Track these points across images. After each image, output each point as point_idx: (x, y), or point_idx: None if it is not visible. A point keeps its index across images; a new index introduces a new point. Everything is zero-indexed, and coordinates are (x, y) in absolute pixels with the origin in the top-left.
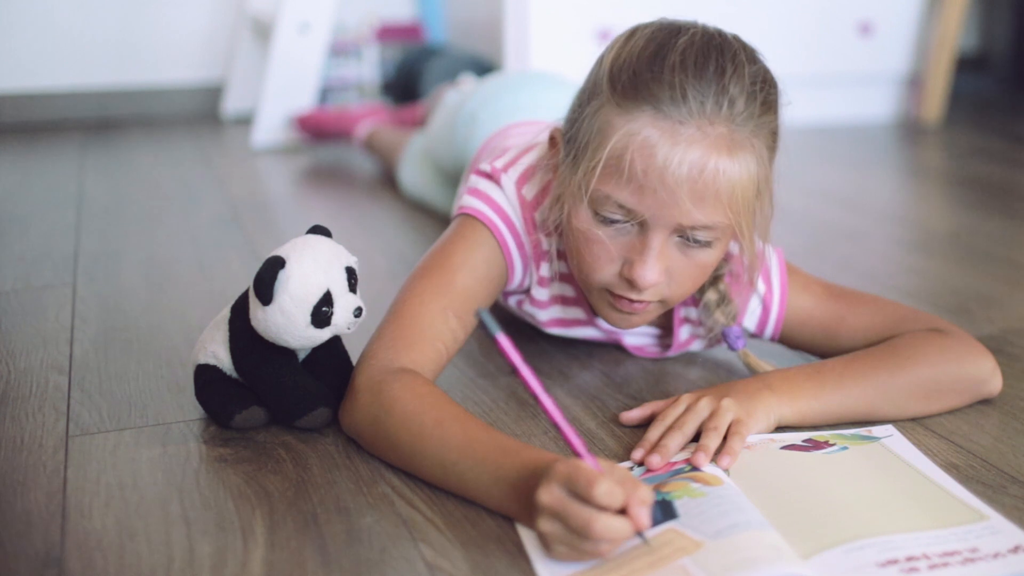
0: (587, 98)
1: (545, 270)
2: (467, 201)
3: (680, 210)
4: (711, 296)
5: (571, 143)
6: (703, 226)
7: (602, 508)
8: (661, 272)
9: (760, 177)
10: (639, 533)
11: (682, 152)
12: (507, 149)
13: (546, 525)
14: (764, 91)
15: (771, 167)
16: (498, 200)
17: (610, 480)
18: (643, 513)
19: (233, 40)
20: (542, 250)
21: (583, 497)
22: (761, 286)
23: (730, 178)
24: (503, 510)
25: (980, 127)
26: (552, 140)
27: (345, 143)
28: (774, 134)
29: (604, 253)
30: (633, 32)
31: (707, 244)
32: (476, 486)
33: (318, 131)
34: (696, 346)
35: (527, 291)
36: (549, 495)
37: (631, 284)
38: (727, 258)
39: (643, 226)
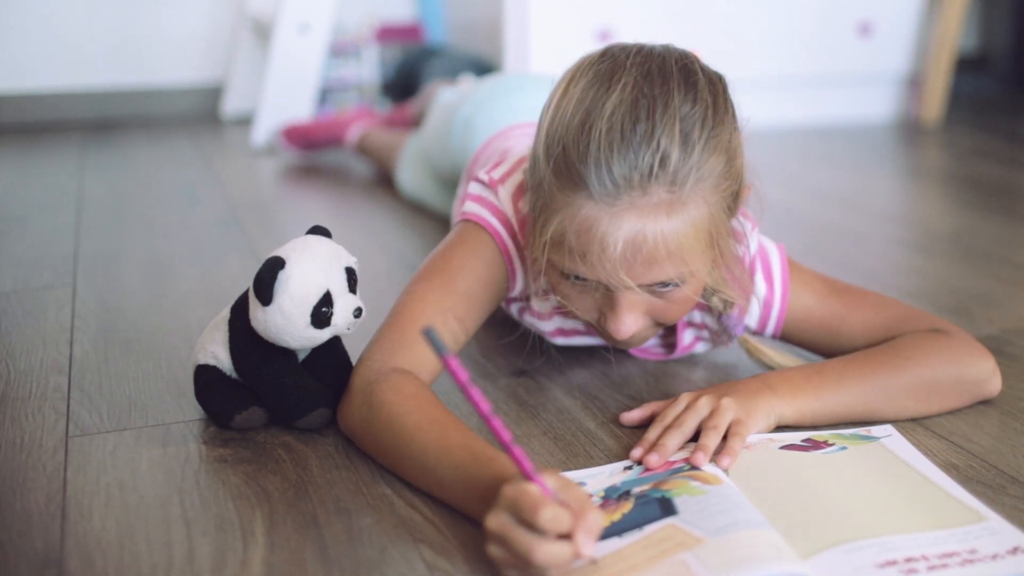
0: (539, 154)
1: (544, 283)
2: (469, 207)
3: (627, 281)
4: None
5: (534, 194)
6: (658, 283)
7: (546, 534)
8: (636, 321)
9: (709, 220)
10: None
11: (616, 231)
12: (507, 151)
13: (493, 550)
14: (704, 134)
15: (726, 202)
16: (499, 206)
17: (555, 506)
18: (587, 542)
19: (233, 40)
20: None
21: (527, 523)
22: (762, 286)
23: (673, 236)
24: (474, 515)
25: (980, 127)
26: (531, 167)
27: (338, 149)
28: (724, 172)
29: (580, 304)
30: (572, 77)
31: (676, 287)
32: (451, 491)
33: (306, 142)
34: (700, 348)
35: (528, 299)
36: (495, 520)
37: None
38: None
39: (608, 288)
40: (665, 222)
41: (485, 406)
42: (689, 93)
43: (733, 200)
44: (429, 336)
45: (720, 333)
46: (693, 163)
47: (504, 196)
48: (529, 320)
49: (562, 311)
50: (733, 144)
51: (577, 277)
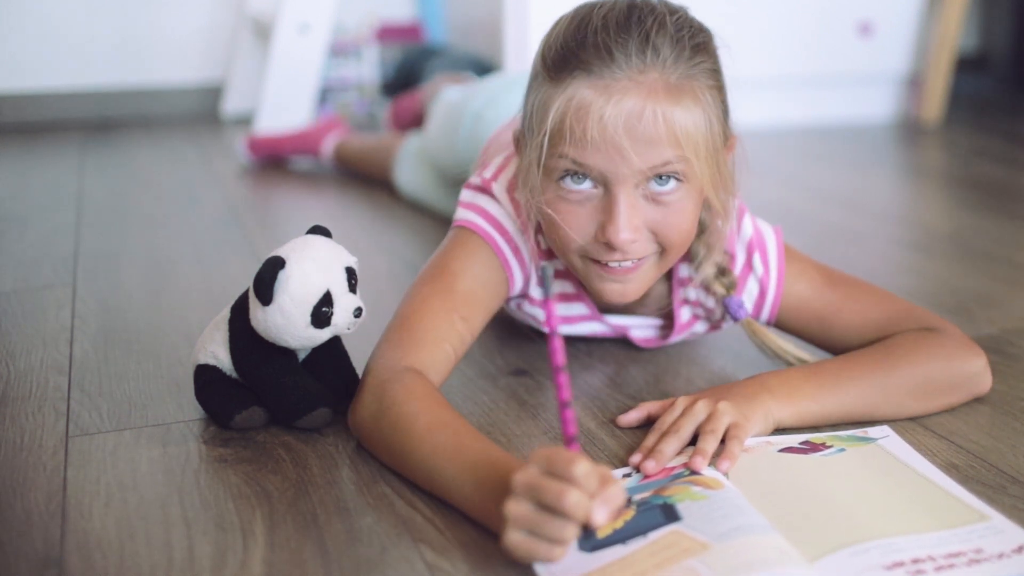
0: (528, 88)
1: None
2: (461, 214)
3: (627, 159)
4: (708, 270)
5: (525, 133)
6: (660, 165)
7: (579, 486)
8: (635, 228)
9: (710, 119)
10: (587, 532)
11: (616, 104)
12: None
13: (514, 506)
14: (691, 36)
15: (722, 110)
16: (491, 211)
17: (589, 463)
18: (601, 510)
19: (233, 40)
20: (542, 249)
21: (561, 475)
22: (759, 267)
23: (674, 121)
24: (482, 518)
25: (980, 127)
26: (516, 142)
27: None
28: (713, 74)
29: (575, 220)
30: (558, 20)
31: (673, 184)
32: (459, 492)
33: (270, 153)
34: (699, 327)
35: (525, 294)
36: (525, 474)
37: (608, 246)
38: (707, 207)
39: (607, 187)
40: (668, 105)
41: (560, 358)
42: (672, 8)
43: (724, 117)
44: (545, 273)
45: (722, 315)
46: (683, 55)
47: (499, 191)
48: (529, 309)
49: (561, 298)
50: (719, 66)
51: (574, 179)
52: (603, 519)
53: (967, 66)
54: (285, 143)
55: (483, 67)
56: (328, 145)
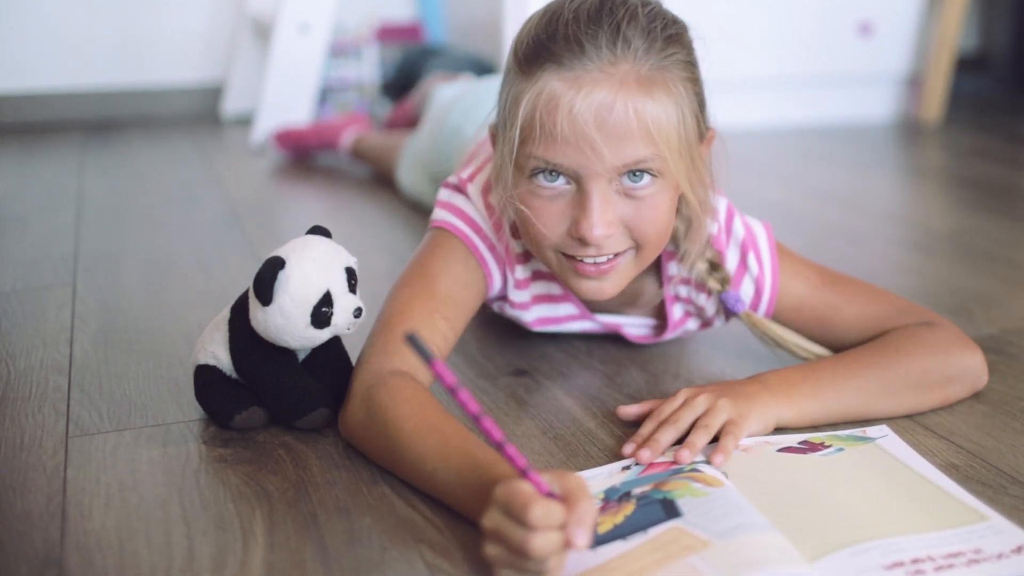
0: (502, 83)
1: (520, 272)
2: (437, 214)
3: (598, 154)
4: (700, 266)
5: (499, 129)
6: (632, 163)
7: (538, 530)
8: (609, 224)
9: (682, 111)
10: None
11: (585, 96)
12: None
13: (491, 549)
14: (663, 27)
15: (698, 103)
16: (467, 210)
17: (545, 502)
18: (579, 534)
19: (233, 40)
20: (515, 253)
21: (519, 521)
22: (754, 266)
23: (646, 114)
24: (476, 519)
25: (980, 127)
26: (492, 138)
27: (332, 154)
28: (687, 66)
29: (548, 216)
30: (532, 15)
31: (647, 179)
32: (452, 496)
33: (298, 147)
34: (691, 324)
35: (504, 297)
36: (490, 520)
37: (582, 242)
38: (684, 200)
39: (579, 183)
40: (640, 98)
41: (474, 407)
42: (648, 4)
43: (701, 111)
44: (413, 341)
45: (714, 313)
46: (655, 46)
47: (474, 193)
48: (511, 313)
49: (547, 299)
50: (694, 58)
51: (547, 177)
52: (583, 541)
53: (967, 66)
54: (308, 136)
55: (483, 67)
56: (347, 138)
